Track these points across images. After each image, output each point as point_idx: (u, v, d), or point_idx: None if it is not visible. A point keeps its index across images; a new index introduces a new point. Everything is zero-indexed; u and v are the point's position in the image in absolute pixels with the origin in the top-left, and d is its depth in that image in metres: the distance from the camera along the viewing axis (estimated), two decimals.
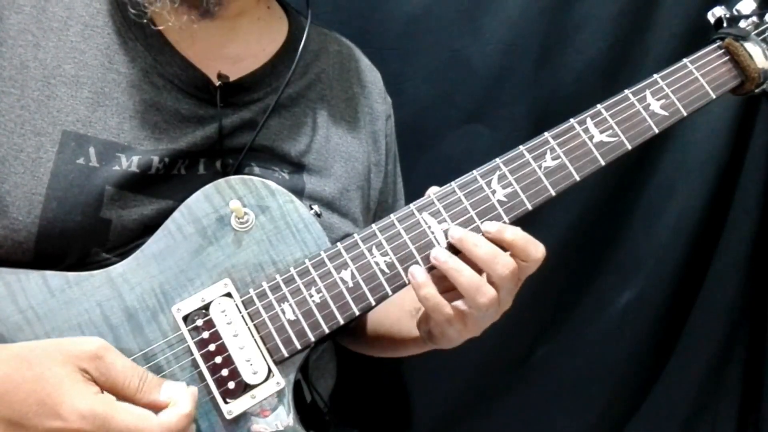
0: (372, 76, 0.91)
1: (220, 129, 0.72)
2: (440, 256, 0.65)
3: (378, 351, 0.95)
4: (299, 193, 0.75)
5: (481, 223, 0.67)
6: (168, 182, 0.69)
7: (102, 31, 0.70)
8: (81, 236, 0.65)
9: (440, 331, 0.70)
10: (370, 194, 0.86)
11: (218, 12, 0.71)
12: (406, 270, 0.66)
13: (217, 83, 0.72)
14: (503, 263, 0.64)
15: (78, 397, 0.50)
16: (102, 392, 0.53)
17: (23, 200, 0.64)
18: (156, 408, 0.54)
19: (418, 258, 0.66)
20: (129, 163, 0.67)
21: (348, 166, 0.82)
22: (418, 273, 0.65)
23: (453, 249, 0.66)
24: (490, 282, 0.64)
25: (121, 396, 0.54)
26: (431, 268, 0.66)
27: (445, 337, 0.71)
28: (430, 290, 0.64)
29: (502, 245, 0.65)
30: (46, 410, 0.48)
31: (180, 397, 0.54)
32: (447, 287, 0.66)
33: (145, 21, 0.69)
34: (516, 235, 0.65)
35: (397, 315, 0.84)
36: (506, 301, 0.67)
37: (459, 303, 0.65)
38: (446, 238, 0.67)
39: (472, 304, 0.64)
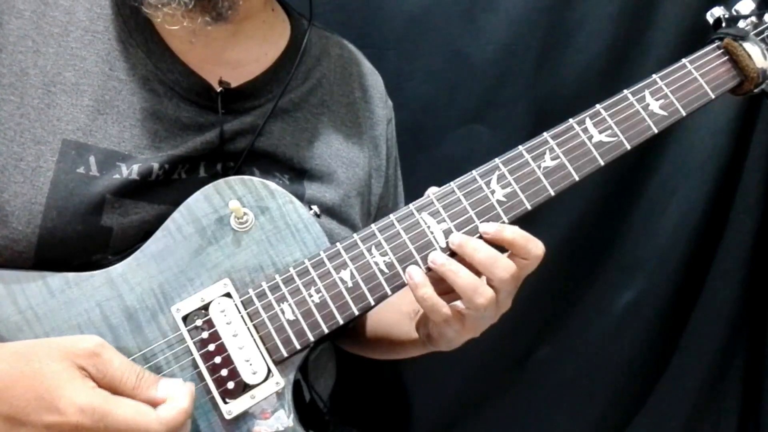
0: (373, 80, 0.91)
1: (221, 135, 0.72)
2: (437, 259, 0.65)
3: (377, 353, 0.95)
4: (299, 199, 0.75)
5: (480, 223, 0.67)
6: (168, 187, 0.69)
7: (102, 37, 0.70)
8: (82, 245, 0.65)
9: (438, 332, 0.70)
10: (370, 200, 0.86)
11: (231, 15, 0.70)
12: (405, 270, 0.66)
13: (219, 89, 0.72)
14: (503, 267, 0.64)
15: (76, 391, 0.50)
16: (99, 388, 0.53)
17: (23, 210, 0.63)
18: (153, 405, 0.54)
19: (418, 258, 0.66)
20: (129, 171, 0.67)
21: (349, 172, 0.81)
22: (416, 273, 0.65)
23: (452, 252, 0.66)
24: (490, 285, 0.64)
25: (119, 393, 0.54)
26: (429, 270, 0.66)
27: (444, 339, 0.70)
28: (428, 290, 0.64)
29: (502, 244, 0.65)
30: (44, 405, 0.48)
31: (178, 393, 0.54)
32: (445, 289, 0.66)
33: (145, 18, 0.68)
34: (515, 233, 0.65)
35: (395, 317, 0.84)
36: (505, 303, 0.67)
37: (457, 303, 0.65)
38: (445, 238, 0.67)
39: (470, 306, 0.64)
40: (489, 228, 0.66)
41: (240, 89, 0.74)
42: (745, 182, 1.24)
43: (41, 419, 0.48)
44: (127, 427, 0.50)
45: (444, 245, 0.67)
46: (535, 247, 0.65)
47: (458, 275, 0.64)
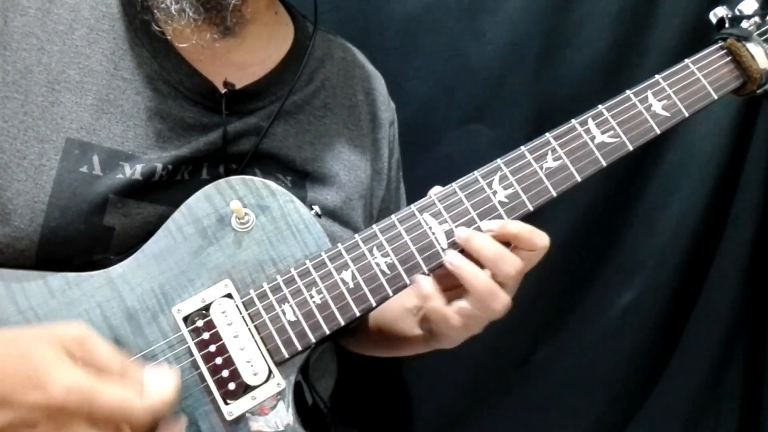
0: (376, 83, 0.90)
1: (224, 136, 0.71)
2: (455, 260, 0.64)
3: (379, 351, 0.94)
4: (301, 201, 0.75)
5: (482, 222, 0.67)
6: (171, 188, 0.69)
7: (108, 36, 0.70)
8: (83, 244, 0.65)
9: (442, 332, 0.70)
10: (372, 203, 0.86)
11: (237, 30, 0.70)
12: (407, 271, 0.66)
13: (223, 91, 0.72)
14: (510, 263, 0.63)
15: (63, 371, 0.49)
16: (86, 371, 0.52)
17: (25, 208, 0.63)
18: (138, 392, 0.54)
19: (419, 259, 0.66)
20: (132, 171, 0.67)
21: (351, 175, 0.81)
22: (426, 284, 0.64)
23: (456, 248, 0.66)
24: (495, 281, 0.64)
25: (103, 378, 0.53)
26: (434, 269, 0.66)
27: (447, 336, 0.70)
28: (438, 302, 0.64)
29: (507, 239, 0.65)
30: (31, 384, 0.48)
31: (163, 381, 0.53)
32: (447, 285, 0.65)
33: (156, 29, 0.69)
34: (519, 227, 0.65)
35: (398, 313, 0.83)
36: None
37: (465, 306, 0.64)
38: (447, 239, 0.66)
39: (483, 308, 0.63)
40: (493, 225, 0.65)
41: (244, 90, 0.74)
42: (744, 183, 1.24)
43: (26, 399, 0.47)
44: (110, 411, 0.49)
45: (446, 246, 0.66)
46: (540, 239, 0.65)
47: (477, 278, 0.63)
